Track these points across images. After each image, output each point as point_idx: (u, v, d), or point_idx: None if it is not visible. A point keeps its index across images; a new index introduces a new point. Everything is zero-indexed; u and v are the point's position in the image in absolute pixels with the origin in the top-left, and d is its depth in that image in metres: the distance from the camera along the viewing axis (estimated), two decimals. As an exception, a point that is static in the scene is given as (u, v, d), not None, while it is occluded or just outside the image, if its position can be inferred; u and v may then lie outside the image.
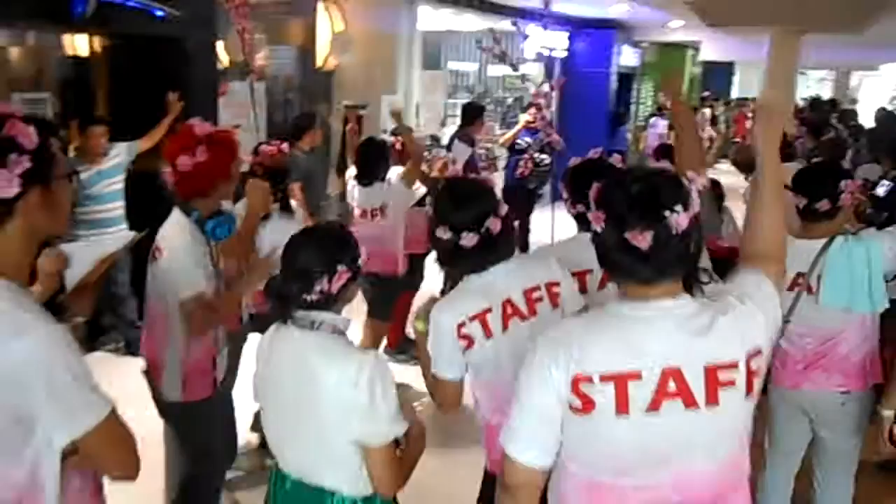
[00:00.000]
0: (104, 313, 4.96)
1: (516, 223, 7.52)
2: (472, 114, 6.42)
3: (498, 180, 7.01)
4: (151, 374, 2.73)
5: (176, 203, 2.66)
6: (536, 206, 7.72)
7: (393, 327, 4.89)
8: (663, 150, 4.12)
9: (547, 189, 7.77)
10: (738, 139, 18.94)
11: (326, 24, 7.45)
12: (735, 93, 22.26)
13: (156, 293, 2.66)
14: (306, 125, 5.76)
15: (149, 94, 5.17)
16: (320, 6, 7.34)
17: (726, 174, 6.44)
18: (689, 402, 1.46)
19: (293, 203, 3.92)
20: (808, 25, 7.22)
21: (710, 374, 1.47)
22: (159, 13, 4.87)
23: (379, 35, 7.45)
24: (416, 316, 2.23)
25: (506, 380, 1.92)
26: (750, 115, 18.94)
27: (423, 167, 4.95)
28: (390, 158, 4.61)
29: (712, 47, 14.05)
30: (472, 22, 9.49)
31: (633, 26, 12.31)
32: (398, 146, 4.91)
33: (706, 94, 17.11)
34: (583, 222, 2.36)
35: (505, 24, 10.07)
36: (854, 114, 11.64)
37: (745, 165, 5.37)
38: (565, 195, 2.45)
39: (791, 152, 6.07)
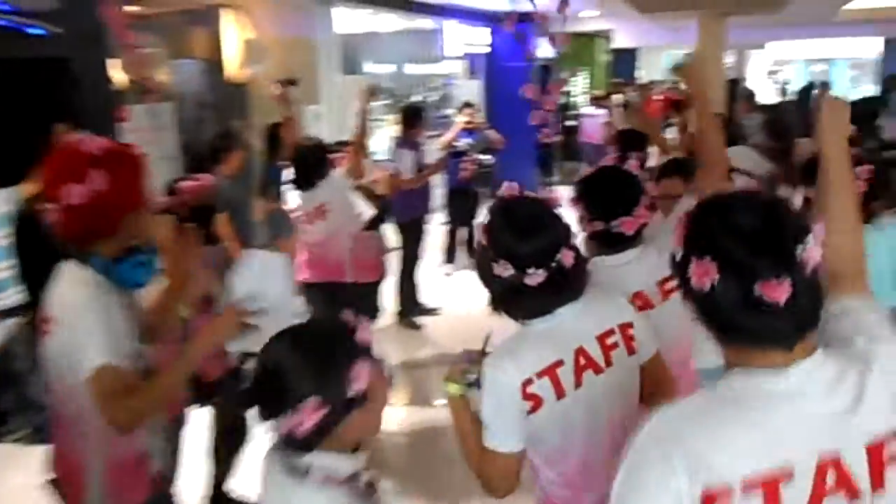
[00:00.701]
0: (3, 396, 4.15)
1: (463, 230, 7.18)
2: (412, 116, 5.91)
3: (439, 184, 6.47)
4: (62, 485, 2.04)
5: (66, 251, 1.92)
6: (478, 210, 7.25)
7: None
8: (630, 139, 3.74)
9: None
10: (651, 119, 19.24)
11: (234, 33, 6.76)
12: (640, 78, 22.56)
13: (54, 380, 1.95)
14: (225, 147, 5.09)
15: (32, 126, 4.37)
16: (225, 14, 6.64)
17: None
18: (853, 494, 1.12)
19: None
20: (732, 8, 7.31)
21: (874, 453, 1.13)
22: (38, 31, 4.10)
23: (294, 41, 6.80)
24: (449, 376, 1.81)
25: (576, 447, 1.68)
26: (656, 97, 19.37)
27: (370, 181, 4.40)
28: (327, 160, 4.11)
29: (624, 35, 14.02)
30: (387, 22, 8.95)
31: (549, 18, 12.04)
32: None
33: (617, 80, 17.10)
34: (606, 244, 2.04)
35: (425, 23, 9.63)
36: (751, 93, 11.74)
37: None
38: (579, 212, 2.03)
39: (737, 132, 5.80)
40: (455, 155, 6.71)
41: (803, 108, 7.92)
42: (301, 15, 6.86)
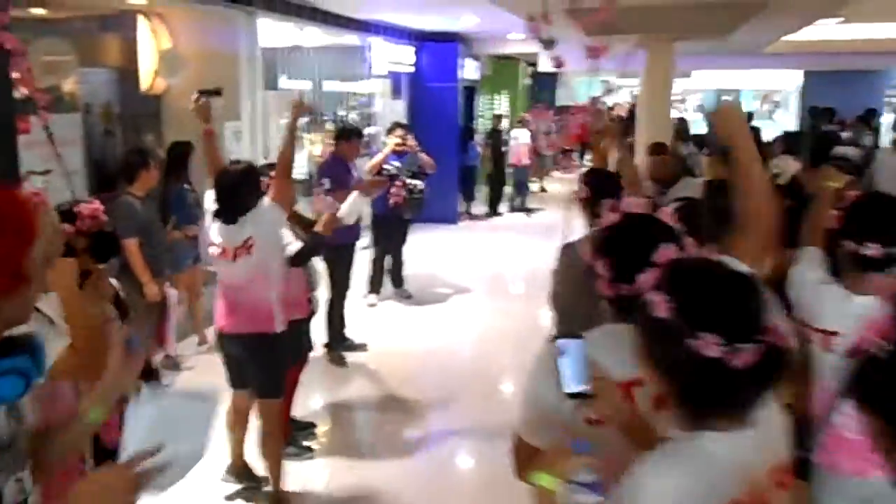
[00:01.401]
0: None
1: (389, 258, 6.95)
2: (348, 135, 5.70)
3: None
4: None
5: None
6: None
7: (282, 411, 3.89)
8: (602, 182, 3.49)
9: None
10: (567, 147, 19.55)
11: (149, 42, 6.37)
12: (558, 102, 22.90)
13: None
14: (139, 164, 4.75)
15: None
16: (141, 20, 6.25)
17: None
18: None
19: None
20: (682, 33, 7.33)
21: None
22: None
23: (215, 53, 6.46)
24: (550, 465, 1.40)
25: None
26: (573, 115, 19.67)
27: (304, 209, 4.11)
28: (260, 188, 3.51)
29: (548, 59, 14.15)
30: (307, 37, 8.68)
31: (475, 39, 12.05)
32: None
33: (538, 104, 17.31)
34: (626, 309, 1.59)
35: (351, 39, 9.41)
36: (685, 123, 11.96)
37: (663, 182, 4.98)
38: (601, 271, 1.69)
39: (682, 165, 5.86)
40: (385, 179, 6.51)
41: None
42: (224, 25, 6.53)
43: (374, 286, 6.90)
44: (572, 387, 1.44)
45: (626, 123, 10.31)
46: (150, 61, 6.35)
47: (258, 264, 3.40)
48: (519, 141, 12.56)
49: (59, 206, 2.42)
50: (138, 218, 4.57)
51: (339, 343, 5.65)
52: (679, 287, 1.29)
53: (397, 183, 6.37)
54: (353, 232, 5.52)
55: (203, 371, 5.14)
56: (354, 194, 4.60)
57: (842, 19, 8.98)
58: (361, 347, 5.78)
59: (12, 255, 1.30)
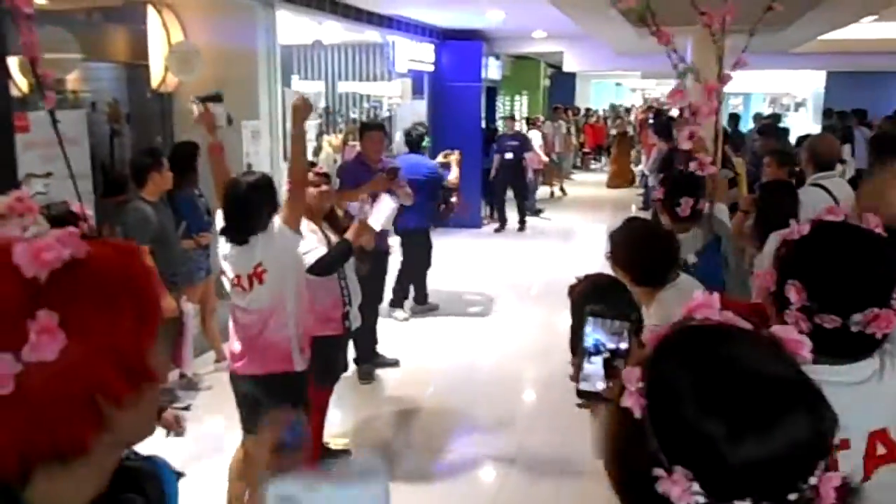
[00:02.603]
0: None
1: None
2: (368, 130, 5.26)
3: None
4: None
5: None
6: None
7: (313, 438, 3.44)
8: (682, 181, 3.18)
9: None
10: (587, 149, 19.08)
11: (160, 35, 5.91)
12: (577, 103, 22.42)
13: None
14: (150, 166, 4.30)
15: None
16: (152, 12, 5.80)
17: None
18: None
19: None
20: (736, 24, 6.81)
21: None
22: None
23: (231, 47, 6.01)
24: None
25: None
26: (595, 121, 19.32)
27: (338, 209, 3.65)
28: (277, 201, 3.09)
29: (573, 58, 13.57)
30: (325, 33, 8.24)
31: (498, 38, 11.58)
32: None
33: (558, 105, 16.79)
34: (834, 349, 1.31)
35: (372, 36, 8.96)
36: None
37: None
38: (793, 297, 1.32)
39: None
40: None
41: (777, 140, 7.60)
42: (240, 17, 6.08)
43: (398, 300, 6.44)
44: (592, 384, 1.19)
45: (656, 127, 9.85)
46: (160, 56, 5.89)
47: (271, 296, 2.96)
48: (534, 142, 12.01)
49: (48, 210, 1.99)
50: (150, 225, 4.12)
51: (370, 359, 5.17)
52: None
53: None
54: (385, 240, 5.06)
55: (222, 391, 4.67)
56: (385, 198, 4.13)
57: (875, 17, 8.53)
58: (393, 363, 5.30)
59: (132, 344, 0.79)
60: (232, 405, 3.21)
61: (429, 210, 6.06)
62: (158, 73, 5.94)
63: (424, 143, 6.33)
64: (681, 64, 3.10)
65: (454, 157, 6.32)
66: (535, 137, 12.19)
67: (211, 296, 5.07)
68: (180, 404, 4.53)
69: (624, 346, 1.15)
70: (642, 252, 2.43)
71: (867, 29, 9.78)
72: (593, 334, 1.16)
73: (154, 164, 4.31)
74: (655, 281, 2.38)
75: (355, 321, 3.70)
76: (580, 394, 1.21)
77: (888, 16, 8.48)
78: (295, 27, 7.44)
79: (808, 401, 0.72)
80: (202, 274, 4.87)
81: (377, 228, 3.96)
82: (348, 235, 3.50)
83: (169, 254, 4.20)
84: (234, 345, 3.10)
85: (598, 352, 1.17)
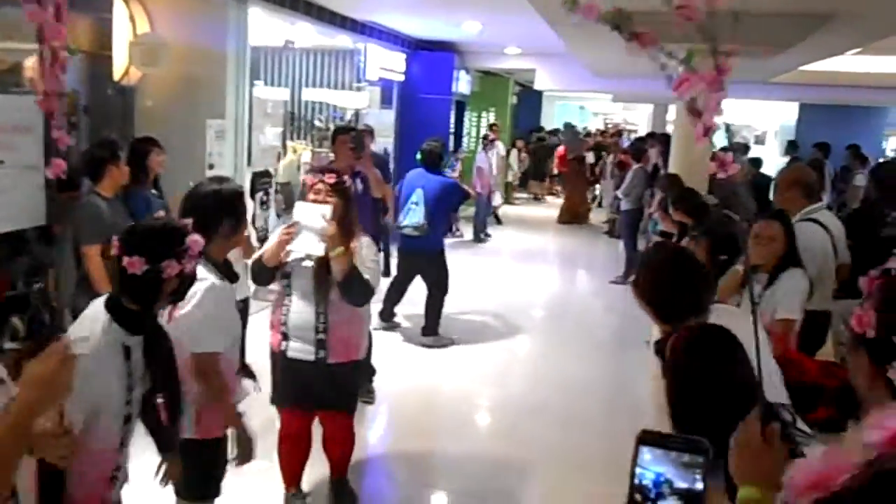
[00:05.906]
0: None
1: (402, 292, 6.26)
2: (336, 135, 5.12)
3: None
4: None
5: None
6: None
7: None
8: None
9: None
10: (560, 170, 18.30)
11: (125, 26, 5.68)
12: (542, 123, 22.23)
13: None
14: (107, 159, 4.08)
15: None
16: (118, 2, 5.57)
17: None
18: None
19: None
20: (740, 42, 6.60)
21: None
22: None
23: (200, 43, 5.80)
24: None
25: None
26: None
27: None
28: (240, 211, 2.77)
29: (546, 76, 13.28)
30: (297, 34, 8.05)
31: (470, 51, 11.51)
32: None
33: (487, 134, 15.27)
34: None
35: (342, 41, 8.79)
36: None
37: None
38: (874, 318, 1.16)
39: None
40: None
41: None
42: (210, 13, 5.87)
43: (387, 314, 6.29)
44: None
45: (633, 150, 9.76)
46: (124, 47, 5.65)
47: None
48: (485, 159, 11.53)
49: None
50: (103, 222, 3.89)
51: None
52: None
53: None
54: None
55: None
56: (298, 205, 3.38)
57: (858, 49, 8.58)
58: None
59: None
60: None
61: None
62: (122, 64, 5.70)
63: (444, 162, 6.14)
64: (672, 62, 2.99)
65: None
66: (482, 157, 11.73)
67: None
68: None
69: (700, 486, 0.88)
70: (665, 288, 2.17)
71: (847, 61, 9.80)
72: (653, 467, 0.90)
73: (109, 157, 4.09)
74: (678, 320, 2.05)
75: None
76: None
77: (871, 49, 8.44)
78: (263, 28, 7.23)
79: None
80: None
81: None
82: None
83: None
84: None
85: (660, 495, 0.88)
